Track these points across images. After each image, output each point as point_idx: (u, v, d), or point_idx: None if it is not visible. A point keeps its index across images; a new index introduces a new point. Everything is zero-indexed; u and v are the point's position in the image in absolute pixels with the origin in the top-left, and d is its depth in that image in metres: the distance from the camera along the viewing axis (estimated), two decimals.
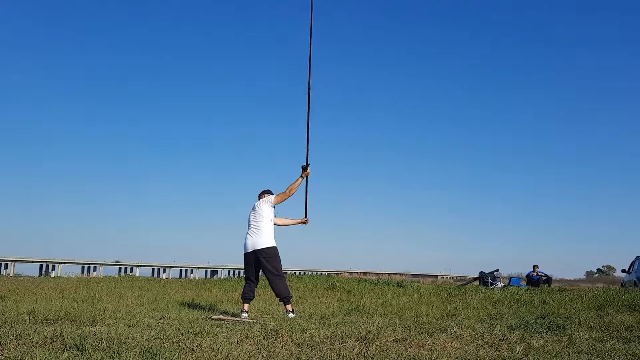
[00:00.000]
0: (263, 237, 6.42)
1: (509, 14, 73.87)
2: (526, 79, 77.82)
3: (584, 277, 57.20)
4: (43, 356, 3.28)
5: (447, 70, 77.64)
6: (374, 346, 3.98)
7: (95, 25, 70.24)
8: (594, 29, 72.29)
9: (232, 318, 5.95)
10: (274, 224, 6.63)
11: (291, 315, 6.34)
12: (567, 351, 4.05)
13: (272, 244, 6.46)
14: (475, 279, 21.37)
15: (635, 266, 16.87)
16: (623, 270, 18.52)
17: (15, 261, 36.67)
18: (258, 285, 6.70)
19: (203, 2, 71.99)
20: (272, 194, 6.68)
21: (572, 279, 46.76)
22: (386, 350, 3.91)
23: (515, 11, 73.15)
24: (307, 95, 7.13)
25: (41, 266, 40.38)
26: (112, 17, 69.75)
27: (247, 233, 6.51)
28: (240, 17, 72.35)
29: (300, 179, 6.60)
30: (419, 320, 5.83)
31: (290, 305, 6.51)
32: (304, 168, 6.65)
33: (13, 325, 4.42)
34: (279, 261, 6.46)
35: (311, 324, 5.34)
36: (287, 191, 6.55)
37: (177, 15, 72.14)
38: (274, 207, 6.61)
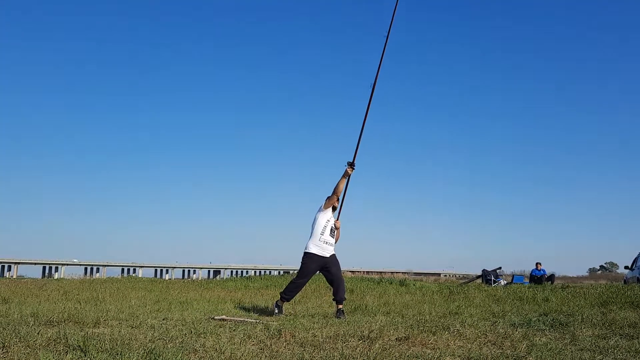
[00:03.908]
0: (308, 240, 6.67)
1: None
2: (527, 79, 77.68)
3: (587, 274, 57.17)
4: (46, 358, 3.28)
5: (444, 73, 77.47)
6: (377, 345, 3.98)
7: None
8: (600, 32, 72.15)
9: (234, 318, 5.95)
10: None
11: (276, 311, 6.66)
12: (570, 348, 4.05)
13: (306, 249, 6.63)
14: (478, 277, 21.34)
15: (638, 263, 16.82)
16: (626, 267, 18.45)
17: (18, 263, 36.74)
18: (260, 285, 6.77)
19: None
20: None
21: (574, 276, 46.70)
22: (389, 349, 3.90)
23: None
24: (369, 95, 6.97)
25: (44, 268, 40.48)
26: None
27: None
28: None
29: (344, 179, 6.57)
30: (422, 319, 5.83)
31: (280, 301, 6.77)
32: (350, 164, 6.54)
33: (16, 327, 4.42)
34: (301, 267, 6.71)
35: (314, 323, 5.34)
36: (333, 194, 6.60)
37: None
38: (325, 210, 6.66)
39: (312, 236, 6.61)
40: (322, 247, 6.57)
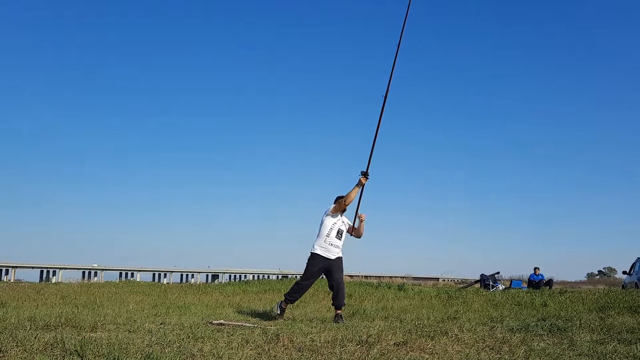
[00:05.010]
0: (314, 242, 6.71)
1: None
2: (525, 80, 77.90)
3: (585, 279, 57.16)
4: None
5: (444, 75, 77.73)
6: (375, 350, 3.98)
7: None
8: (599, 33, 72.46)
9: (233, 323, 5.94)
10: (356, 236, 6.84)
11: (277, 312, 6.71)
12: (568, 353, 4.05)
13: (311, 250, 6.67)
14: (476, 282, 21.33)
15: (636, 268, 16.86)
16: (624, 272, 18.48)
17: (16, 267, 36.65)
18: (259, 290, 6.75)
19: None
20: (340, 200, 6.70)
21: (573, 280, 46.78)
22: (387, 354, 3.90)
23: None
24: (382, 102, 6.92)
25: (42, 272, 40.36)
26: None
27: None
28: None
29: (357, 188, 6.55)
30: (420, 324, 5.82)
31: (284, 303, 6.79)
32: (364, 174, 6.54)
33: (14, 331, 4.41)
34: (305, 267, 6.72)
35: (312, 328, 5.33)
36: (342, 202, 6.58)
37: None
38: (332, 215, 6.66)
39: (318, 237, 6.65)
40: (327, 248, 6.59)
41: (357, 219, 6.81)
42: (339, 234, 6.64)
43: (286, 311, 6.94)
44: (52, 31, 69.81)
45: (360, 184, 6.55)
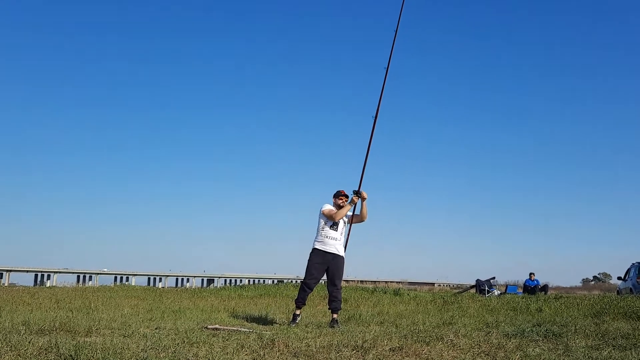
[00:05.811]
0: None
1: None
2: (522, 80, 78.15)
3: (580, 284, 57.23)
4: None
5: (445, 70, 77.92)
6: (371, 355, 3.98)
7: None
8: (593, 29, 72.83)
9: (228, 327, 5.92)
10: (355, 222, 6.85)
11: (292, 323, 6.59)
12: (563, 359, 4.06)
13: (313, 246, 6.69)
14: (472, 287, 21.38)
15: (631, 273, 16.93)
16: (619, 278, 18.57)
17: (10, 271, 36.49)
18: (254, 294, 6.73)
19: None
20: (336, 198, 6.78)
21: (568, 286, 46.85)
22: (383, 359, 3.90)
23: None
24: (373, 121, 7.01)
25: (36, 276, 40.23)
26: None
27: None
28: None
29: (349, 206, 6.69)
30: (416, 329, 5.83)
31: (297, 309, 6.75)
32: (356, 193, 6.69)
33: (7, 335, 4.39)
34: (307, 265, 6.67)
35: (308, 333, 5.33)
36: (334, 214, 6.63)
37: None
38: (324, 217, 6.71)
39: (316, 234, 6.71)
40: (324, 241, 6.60)
41: (356, 207, 6.77)
42: (334, 224, 6.66)
43: (282, 317, 6.94)
44: (49, 24, 69.52)
45: (352, 203, 6.70)
